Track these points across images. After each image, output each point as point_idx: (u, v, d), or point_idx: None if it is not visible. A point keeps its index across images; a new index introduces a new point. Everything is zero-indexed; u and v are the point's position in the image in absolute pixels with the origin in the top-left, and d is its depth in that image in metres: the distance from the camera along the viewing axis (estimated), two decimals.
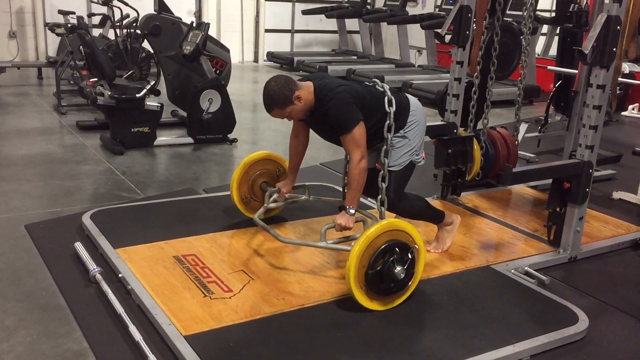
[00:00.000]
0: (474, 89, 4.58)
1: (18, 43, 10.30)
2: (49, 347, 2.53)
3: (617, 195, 4.84)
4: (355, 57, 11.74)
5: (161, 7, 6.26)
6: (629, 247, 3.88)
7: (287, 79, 3.07)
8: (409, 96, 3.37)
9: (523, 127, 6.07)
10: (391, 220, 2.90)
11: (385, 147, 3.16)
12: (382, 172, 3.15)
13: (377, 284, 2.81)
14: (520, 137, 5.70)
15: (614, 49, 3.28)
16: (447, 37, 4.25)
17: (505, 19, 5.12)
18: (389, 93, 3.19)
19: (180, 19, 6.45)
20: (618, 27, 3.25)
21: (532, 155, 5.90)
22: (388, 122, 3.14)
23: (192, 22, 5.94)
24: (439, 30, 4.30)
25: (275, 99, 3.04)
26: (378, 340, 2.63)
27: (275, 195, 3.62)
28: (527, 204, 4.57)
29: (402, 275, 2.80)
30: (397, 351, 2.55)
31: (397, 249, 2.80)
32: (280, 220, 3.87)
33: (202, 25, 5.73)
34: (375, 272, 2.78)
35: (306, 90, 3.09)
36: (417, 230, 2.91)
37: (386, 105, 3.15)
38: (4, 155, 5.20)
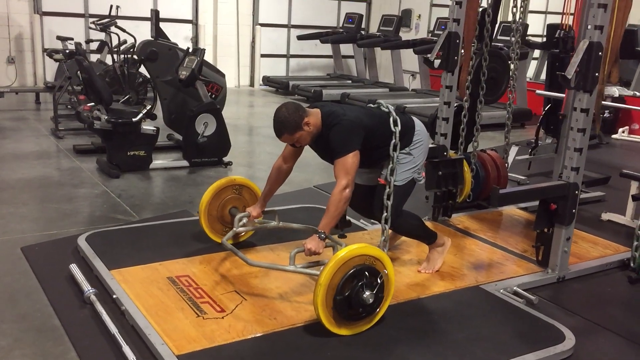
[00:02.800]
0: (463, 112, 4.69)
1: (16, 68, 10.43)
2: None
3: (606, 216, 4.92)
4: (349, 82, 11.89)
5: (158, 33, 6.38)
6: (616, 267, 3.94)
7: (297, 106, 3.17)
8: (414, 118, 3.50)
9: (513, 150, 6.17)
10: (361, 245, 2.88)
11: (391, 165, 3.24)
12: (387, 189, 3.21)
13: (345, 309, 2.77)
14: (510, 159, 5.79)
15: (597, 74, 3.38)
16: (436, 63, 4.36)
17: (496, 44, 5.26)
18: (394, 113, 3.30)
19: (177, 44, 6.57)
20: (600, 53, 3.35)
21: (523, 178, 5.97)
22: (394, 141, 3.23)
23: (188, 48, 6.06)
24: (428, 56, 4.39)
25: (286, 124, 3.13)
26: (368, 359, 2.67)
27: (244, 220, 3.58)
28: (517, 225, 4.64)
29: (371, 300, 2.78)
30: None
31: (365, 274, 2.78)
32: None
33: (197, 51, 5.84)
34: (344, 297, 2.75)
35: (314, 117, 3.19)
36: (387, 256, 2.92)
37: (392, 125, 3.24)
38: (1, 179, 5.25)
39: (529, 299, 3.34)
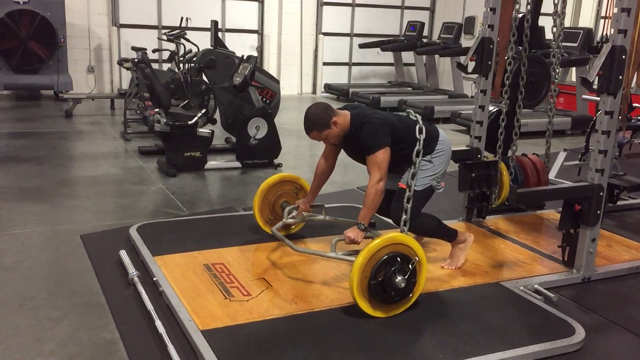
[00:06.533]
0: (502, 116, 4.76)
1: (95, 77, 11.22)
2: (86, 336, 2.91)
3: None
4: (410, 89, 12.02)
5: (216, 42, 6.78)
6: None
7: (326, 106, 3.46)
8: (439, 129, 3.69)
9: (562, 155, 6.14)
10: (393, 234, 3.13)
11: (412, 169, 3.41)
12: (407, 193, 3.37)
13: (379, 293, 3.03)
14: (557, 165, 5.79)
15: (620, 77, 3.43)
16: (470, 67, 4.47)
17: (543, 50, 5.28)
18: (420, 122, 3.48)
19: (234, 53, 6.95)
20: (623, 57, 3.40)
21: (569, 183, 5.93)
22: (417, 147, 3.41)
23: (243, 56, 6.41)
24: (461, 61, 4.51)
25: (315, 122, 3.41)
26: (375, 343, 2.86)
27: (294, 212, 3.89)
28: (552, 227, 4.65)
29: (403, 285, 3.02)
30: (390, 352, 2.77)
31: (398, 260, 3.02)
32: (300, 237, 4.14)
33: (250, 59, 6.18)
34: (377, 282, 3.01)
35: (343, 117, 3.46)
36: (418, 243, 3.14)
37: (417, 133, 3.43)
38: (71, 176, 5.78)
39: (549, 296, 3.41)
